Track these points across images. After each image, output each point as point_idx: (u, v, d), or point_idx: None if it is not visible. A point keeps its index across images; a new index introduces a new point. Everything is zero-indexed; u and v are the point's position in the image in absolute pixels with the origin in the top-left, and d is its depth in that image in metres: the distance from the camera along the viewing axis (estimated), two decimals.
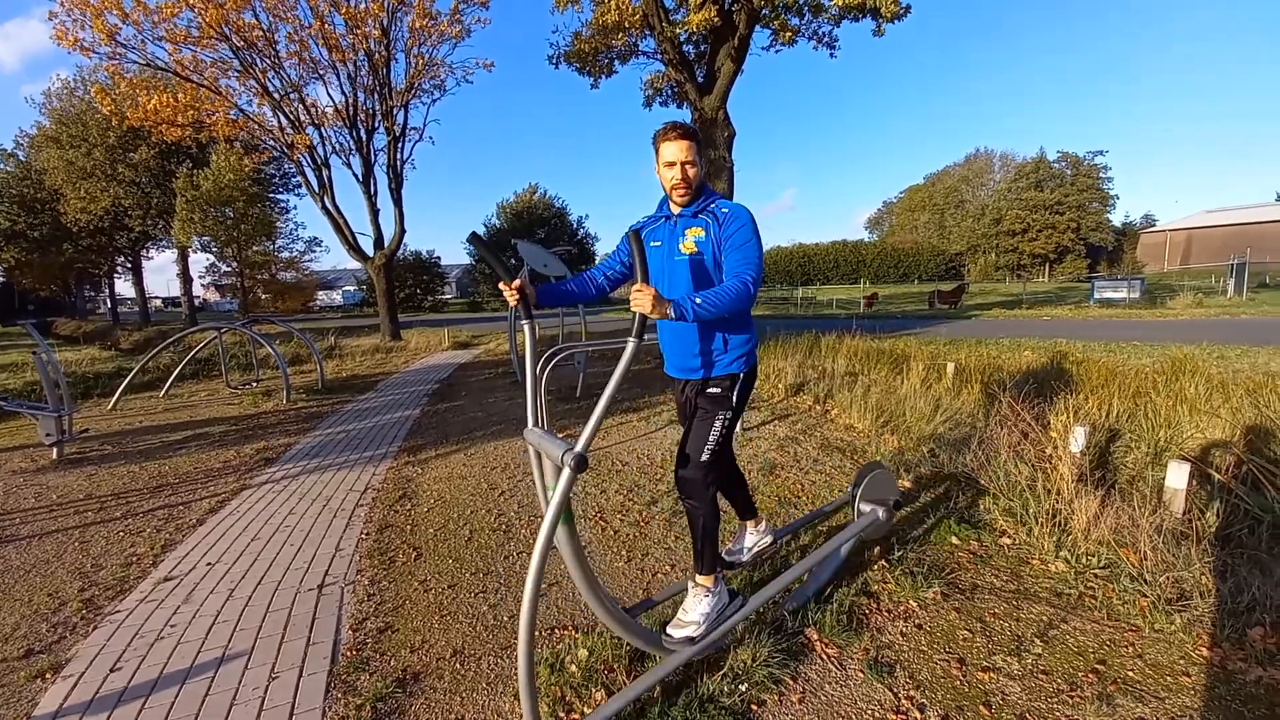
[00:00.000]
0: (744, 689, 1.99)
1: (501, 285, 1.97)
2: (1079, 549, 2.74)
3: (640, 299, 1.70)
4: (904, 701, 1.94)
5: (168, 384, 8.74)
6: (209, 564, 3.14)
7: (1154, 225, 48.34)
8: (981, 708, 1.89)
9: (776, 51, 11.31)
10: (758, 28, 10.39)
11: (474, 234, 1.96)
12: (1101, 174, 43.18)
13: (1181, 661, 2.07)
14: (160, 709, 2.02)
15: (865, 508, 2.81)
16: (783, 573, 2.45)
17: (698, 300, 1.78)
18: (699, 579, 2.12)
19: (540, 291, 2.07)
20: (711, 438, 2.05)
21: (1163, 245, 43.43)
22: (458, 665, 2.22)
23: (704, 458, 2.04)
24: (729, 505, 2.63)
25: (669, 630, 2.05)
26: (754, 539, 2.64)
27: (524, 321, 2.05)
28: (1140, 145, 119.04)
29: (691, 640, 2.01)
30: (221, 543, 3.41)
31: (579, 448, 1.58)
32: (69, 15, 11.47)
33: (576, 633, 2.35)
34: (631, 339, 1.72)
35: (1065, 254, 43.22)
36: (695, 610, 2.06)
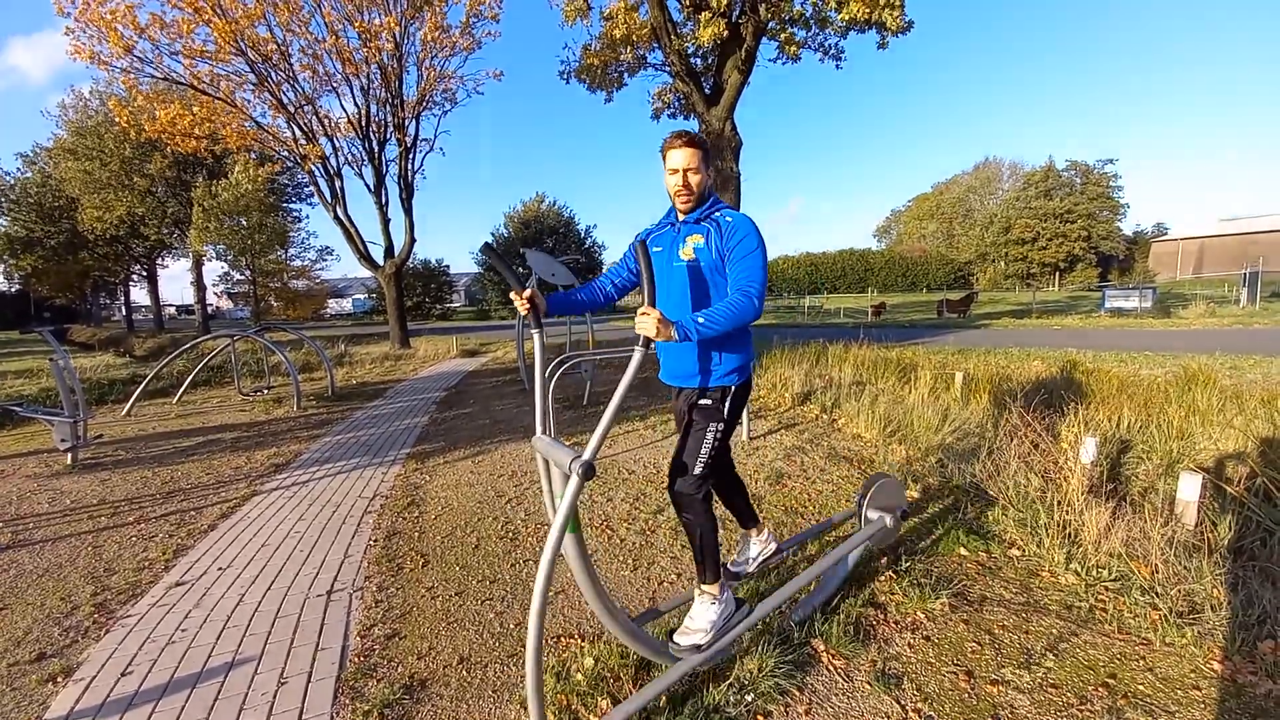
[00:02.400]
0: (750, 699, 1.98)
1: (512, 294, 2.01)
2: (1090, 561, 2.72)
3: (645, 322, 1.73)
4: (911, 714, 1.93)
5: (181, 390, 8.86)
6: (220, 569, 3.17)
7: (1166, 234, 47.95)
8: None
9: (783, 64, 11.39)
10: (764, 40, 10.47)
11: (486, 244, 2.00)
12: (1112, 183, 42.98)
13: (1192, 675, 2.05)
14: (170, 713, 2.04)
15: (873, 515, 2.80)
16: (789, 581, 2.43)
17: (700, 320, 1.79)
18: (704, 587, 2.11)
19: (550, 300, 2.10)
20: (704, 451, 2.03)
21: (1175, 254, 43.06)
22: (464, 672, 2.23)
23: (697, 470, 2.03)
24: (732, 514, 2.60)
25: (675, 638, 2.03)
26: (758, 548, 2.59)
27: (533, 330, 2.09)
28: (1153, 153, 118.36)
29: (698, 648, 1.99)
30: (233, 548, 3.44)
31: (587, 455, 1.60)
32: (84, 30, 11.74)
33: (583, 641, 2.36)
34: (638, 348, 1.75)
35: (1076, 263, 42.96)
36: (702, 618, 2.05)
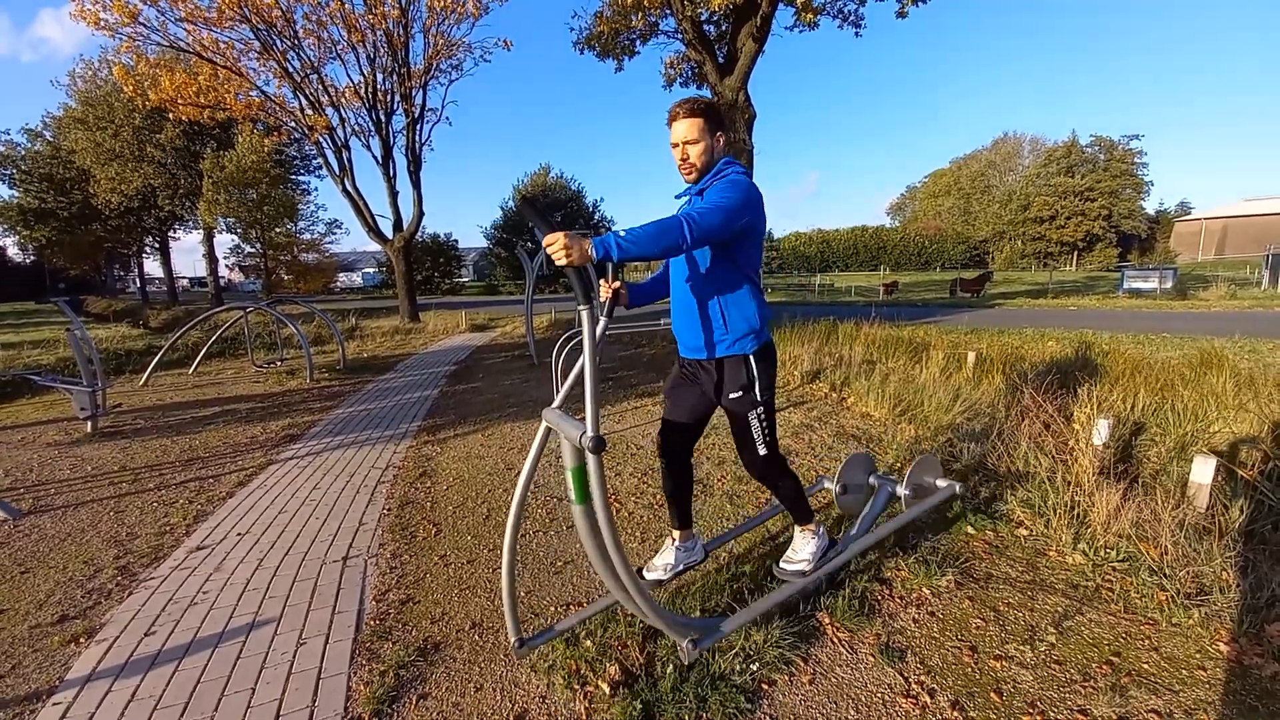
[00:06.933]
0: (755, 668, 2.02)
1: (602, 283, 1.98)
2: (1098, 541, 2.71)
3: (553, 250, 1.48)
4: (914, 686, 1.96)
5: (196, 361, 8.98)
6: (239, 534, 3.25)
7: (1189, 213, 46.75)
8: (992, 694, 1.90)
9: (800, 31, 11.05)
10: (781, 5, 10.15)
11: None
12: (1136, 159, 41.80)
13: (1198, 655, 2.06)
14: (193, 672, 2.12)
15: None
16: (877, 528, 2.71)
17: (622, 233, 1.57)
18: (800, 527, 2.35)
19: (631, 291, 2.07)
20: (755, 435, 2.05)
21: (1198, 234, 42.07)
22: (476, 637, 2.29)
23: (762, 451, 2.08)
24: (669, 509, 2.37)
25: (781, 564, 2.36)
26: (682, 556, 2.35)
27: (603, 317, 2.02)
28: (1180, 129, 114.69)
29: (803, 574, 2.30)
30: (251, 514, 3.52)
31: (589, 430, 1.61)
32: None
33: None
34: (582, 306, 1.59)
35: (1095, 242, 42.08)
36: (805, 549, 2.33)
